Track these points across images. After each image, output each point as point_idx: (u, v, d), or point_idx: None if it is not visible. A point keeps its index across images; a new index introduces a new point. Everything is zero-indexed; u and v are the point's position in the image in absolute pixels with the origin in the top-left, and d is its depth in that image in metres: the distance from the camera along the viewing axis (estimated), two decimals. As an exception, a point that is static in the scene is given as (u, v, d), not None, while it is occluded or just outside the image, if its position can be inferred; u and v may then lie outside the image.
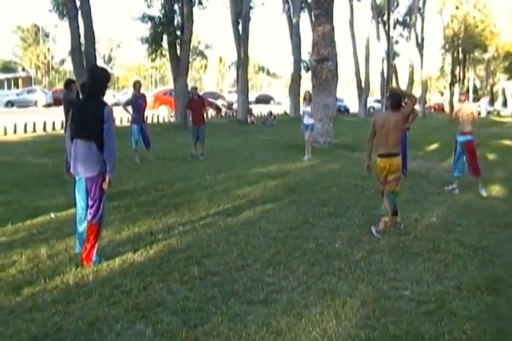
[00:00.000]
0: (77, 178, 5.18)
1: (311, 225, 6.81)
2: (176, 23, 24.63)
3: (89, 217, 5.11)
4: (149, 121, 23.71)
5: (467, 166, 9.62)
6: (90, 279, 4.76)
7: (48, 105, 37.94)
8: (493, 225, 7.05)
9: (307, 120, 13.58)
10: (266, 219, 7.03)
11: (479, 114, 57.81)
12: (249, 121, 27.78)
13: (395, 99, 6.53)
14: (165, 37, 24.56)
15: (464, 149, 9.56)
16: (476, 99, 69.00)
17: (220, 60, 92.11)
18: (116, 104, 30.92)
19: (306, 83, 29.54)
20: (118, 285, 4.63)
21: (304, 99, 13.69)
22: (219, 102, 35.03)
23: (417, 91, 60.37)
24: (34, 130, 19.50)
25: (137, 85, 12.56)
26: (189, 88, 20.28)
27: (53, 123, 20.21)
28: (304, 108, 13.66)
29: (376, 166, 6.56)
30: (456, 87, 37.48)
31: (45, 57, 75.85)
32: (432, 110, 67.37)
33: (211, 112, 30.83)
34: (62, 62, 77.95)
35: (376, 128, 6.53)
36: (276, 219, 7.04)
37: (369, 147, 6.72)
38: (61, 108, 9.33)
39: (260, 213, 7.41)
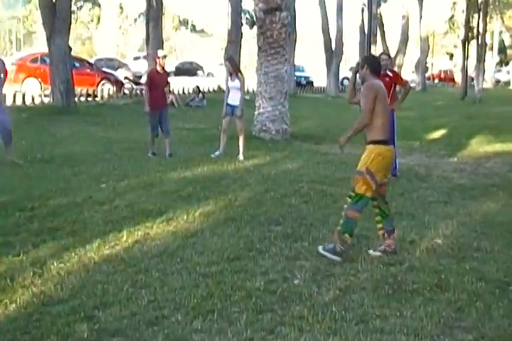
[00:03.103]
0: None
1: (258, 253, 6.85)
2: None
3: None
4: (9, 102, 23.20)
5: None
6: None
7: None
8: (528, 249, 7.29)
9: (233, 99, 13.54)
10: (191, 247, 7.02)
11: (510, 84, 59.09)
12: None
13: (376, 61, 7.14)
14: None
15: None
16: (504, 63, 70.88)
17: (121, 9, 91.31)
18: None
19: (250, 44, 29.76)
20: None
21: (228, 70, 13.66)
22: (120, 74, 34.74)
23: (413, 54, 61.88)
24: None
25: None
26: (72, 52, 19.89)
27: None
28: (229, 82, 13.61)
29: (383, 159, 6.65)
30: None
31: None
32: (437, 80, 69.07)
33: (109, 88, 30.58)
34: None
35: (381, 101, 6.68)
36: (206, 247, 7.04)
37: (364, 123, 6.65)
38: None
39: (183, 238, 7.40)
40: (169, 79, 14.60)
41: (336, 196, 9.66)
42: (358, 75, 7.05)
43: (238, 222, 8.12)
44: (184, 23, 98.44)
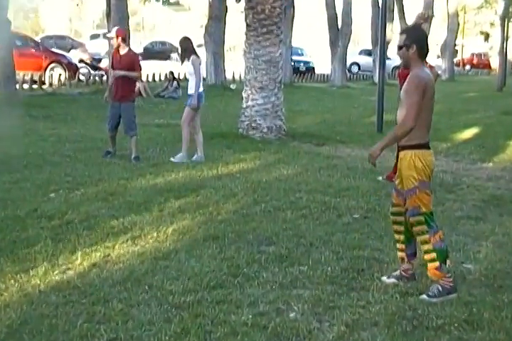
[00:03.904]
0: None
1: (245, 280, 6.86)
2: None
3: None
4: None
5: None
6: None
7: None
8: None
9: (190, 87, 13.69)
10: (163, 272, 7.04)
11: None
12: (131, 91, 27.66)
13: (426, 38, 6.93)
14: None
15: None
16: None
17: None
18: None
19: (237, 21, 29.69)
20: None
21: (181, 51, 13.77)
22: (74, 55, 34.66)
23: (439, 34, 62.07)
24: None
25: None
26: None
27: None
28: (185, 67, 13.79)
29: (428, 165, 6.66)
30: None
31: None
32: (468, 67, 69.23)
33: (60, 73, 30.44)
34: None
35: (430, 97, 6.69)
36: (181, 271, 7.05)
37: (409, 128, 6.55)
38: None
39: (152, 260, 7.40)
40: (103, 61, 14.28)
41: (342, 209, 9.69)
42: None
43: (221, 240, 8.14)
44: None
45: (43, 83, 28.72)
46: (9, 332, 5.59)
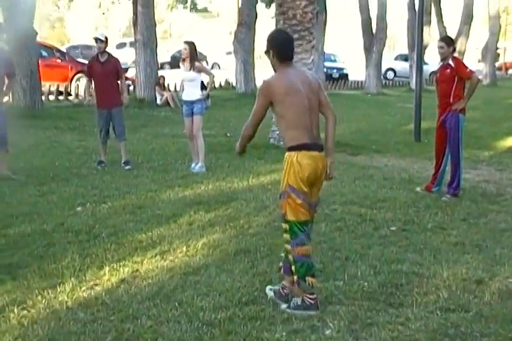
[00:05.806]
0: None
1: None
2: None
3: None
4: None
5: None
6: None
7: None
8: None
9: (190, 93, 13.71)
10: (193, 287, 7.04)
11: None
12: (159, 101, 27.74)
13: (284, 40, 6.66)
14: None
15: None
16: None
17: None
18: None
19: (267, 27, 29.68)
20: None
21: (183, 58, 13.74)
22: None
23: (479, 37, 61.82)
24: None
25: None
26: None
27: None
28: (184, 72, 13.80)
29: (301, 169, 6.41)
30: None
31: None
32: (511, 71, 68.83)
33: (85, 85, 30.60)
34: None
35: (283, 97, 6.48)
36: (212, 287, 7.05)
37: (247, 133, 6.73)
38: None
39: (182, 275, 7.42)
40: (130, 70, 14.51)
41: (378, 221, 9.66)
42: None
43: (253, 254, 8.15)
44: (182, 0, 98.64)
45: (69, 94, 28.90)
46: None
